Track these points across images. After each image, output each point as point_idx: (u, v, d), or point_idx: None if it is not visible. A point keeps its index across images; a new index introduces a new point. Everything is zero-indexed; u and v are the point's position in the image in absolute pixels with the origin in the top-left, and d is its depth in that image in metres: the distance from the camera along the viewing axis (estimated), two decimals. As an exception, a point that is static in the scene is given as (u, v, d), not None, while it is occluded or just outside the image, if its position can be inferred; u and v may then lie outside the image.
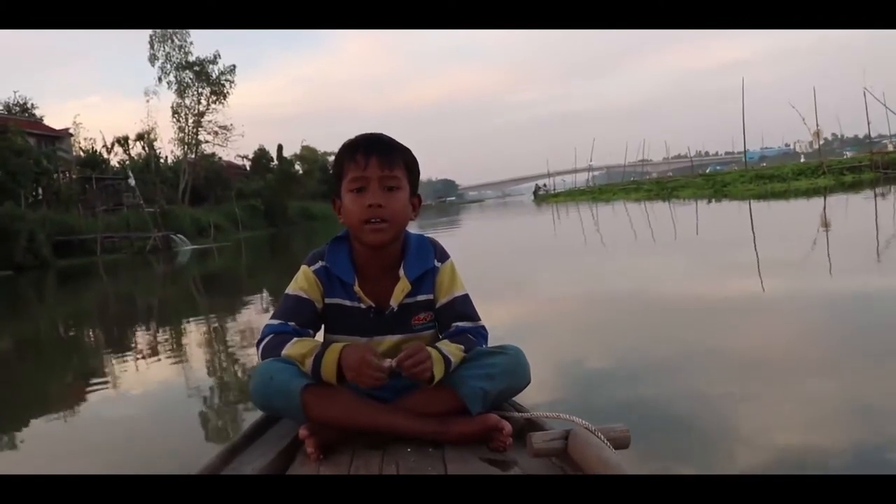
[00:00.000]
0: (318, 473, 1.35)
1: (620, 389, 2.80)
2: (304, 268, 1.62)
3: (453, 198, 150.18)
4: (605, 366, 3.28)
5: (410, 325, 1.61)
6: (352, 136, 1.60)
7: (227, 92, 44.47)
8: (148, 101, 57.39)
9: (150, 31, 42.04)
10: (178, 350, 5.09)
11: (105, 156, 40.01)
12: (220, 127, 44.82)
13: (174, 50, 42.94)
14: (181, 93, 43.54)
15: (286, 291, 1.62)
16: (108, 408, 3.51)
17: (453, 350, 1.51)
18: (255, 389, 1.50)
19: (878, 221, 8.57)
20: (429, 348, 1.48)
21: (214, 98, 44.39)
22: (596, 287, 5.82)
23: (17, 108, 40.06)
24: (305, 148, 60.19)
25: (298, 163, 58.66)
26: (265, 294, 8.38)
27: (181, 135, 43.75)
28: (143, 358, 4.84)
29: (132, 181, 32.61)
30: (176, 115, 43.63)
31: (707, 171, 50.48)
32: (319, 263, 1.61)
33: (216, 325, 6.23)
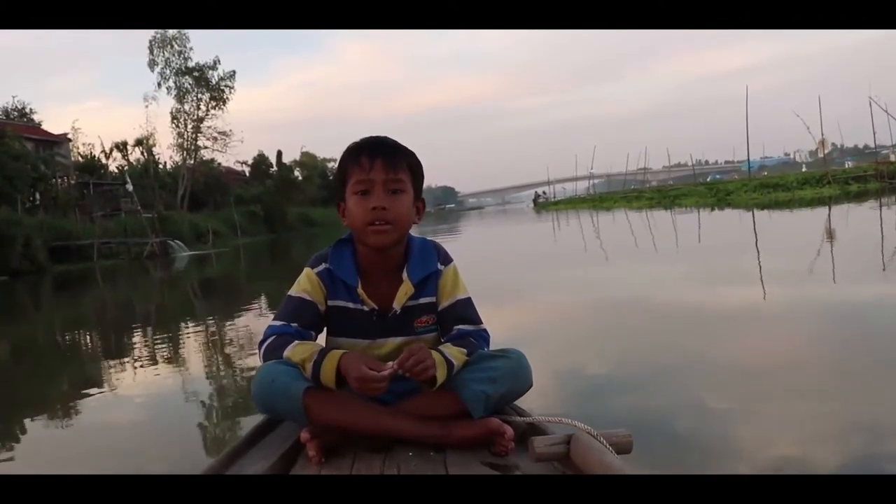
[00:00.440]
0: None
1: (622, 396, 2.80)
2: (307, 270, 1.63)
3: (453, 205, 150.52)
4: (606, 372, 3.27)
5: (413, 327, 1.61)
6: (352, 142, 1.61)
7: (227, 97, 44.60)
8: (147, 106, 57.14)
9: (149, 37, 42.23)
10: (174, 356, 5.07)
11: (103, 161, 40.10)
12: (219, 132, 44.93)
13: (174, 55, 43.04)
14: (180, 98, 43.63)
15: (289, 293, 1.63)
16: (103, 414, 3.49)
17: (455, 353, 1.51)
18: (256, 392, 1.50)
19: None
20: (431, 351, 1.48)
21: (214, 104, 44.47)
22: (622, 305, 5.77)
23: (16, 113, 40.07)
24: (305, 154, 60.36)
25: (298, 169, 58.77)
26: (263, 300, 8.37)
27: (180, 140, 43.81)
28: (140, 364, 4.82)
29: (130, 186, 32.60)
30: (175, 121, 43.72)
31: (708, 179, 50.49)
32: (323, 266, 1.62)
33: (213, 331, 6.21)
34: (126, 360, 5.09)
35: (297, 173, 58.09)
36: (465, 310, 1.63)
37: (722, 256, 7.74)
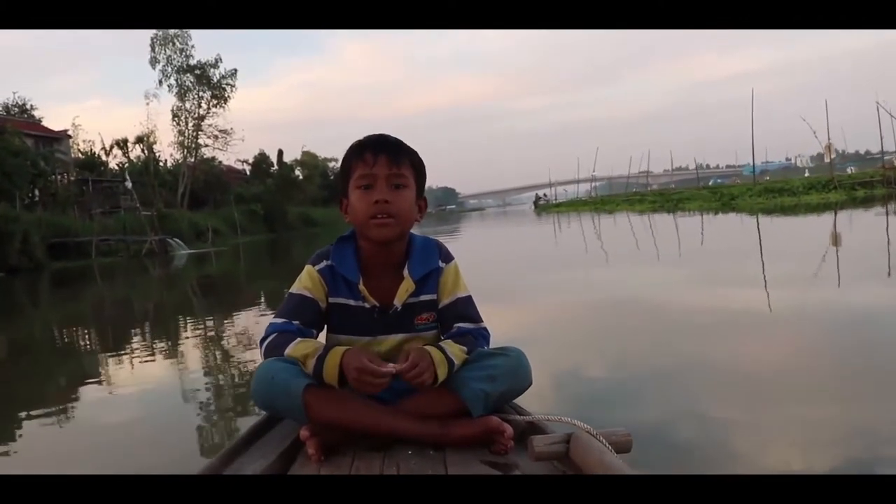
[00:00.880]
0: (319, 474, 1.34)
1: (622, 396, 2.80)
2: (308, 267, 1.63)
3: (453, 206, 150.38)
4: (606, 373, 3.28)
5: (413, 324, 1.62)
6: (354, 140, 1.62)
7: (228, 96, 44.64)
8: (148, 103, 57.47)
9: (151, 35, 42.22)
10: (172, 354, 5.08)
11: (103, 158, 40.06)
12: (220, 131, 44.97)
13: (175, 53, 43.07)
14: (182, 96, 43.65)
15: (290, 290, 1.63)
16: (100, 412, 3.49)
17: (456, 352, 1.52)
18: (256, 389, 1.50)
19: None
20: (432, 349, 1.48)
21: (215, 102, 44.51)
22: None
23: (16, 109, 40.05)
24: (306, 153, 60.34)
25: (299, 168, 58.74)
26: (261, 299, 8.37)
27: (181, 138, 43.86)
28: (138, 362, 4.82)
29: (129, 184, 32.59)
30: (176, 119, 43.73)
31: (710, 183, 50.35)
32: (324, 263, 1.62)
33: (211, 329, 6.21)
34: (123, 358, 5.09)
35: (297, 172, 58.08)
36: (466, 308, 1.63)
37: (727, 260, 7.71)
